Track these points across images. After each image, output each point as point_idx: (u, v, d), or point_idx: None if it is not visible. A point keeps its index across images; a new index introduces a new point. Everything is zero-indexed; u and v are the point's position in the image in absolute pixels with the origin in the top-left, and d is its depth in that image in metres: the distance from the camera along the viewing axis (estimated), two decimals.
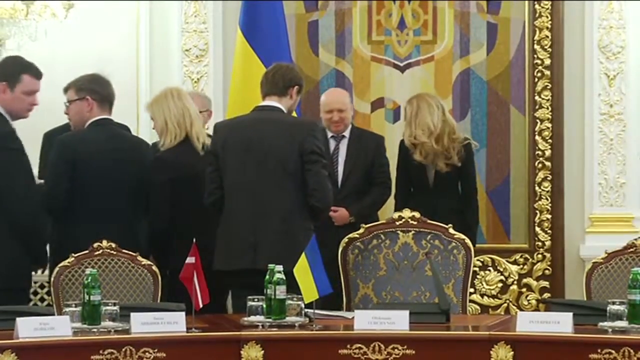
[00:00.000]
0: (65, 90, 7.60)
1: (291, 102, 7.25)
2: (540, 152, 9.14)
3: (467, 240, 7.44)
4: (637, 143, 8.57)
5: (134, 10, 9.07)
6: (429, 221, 7.57)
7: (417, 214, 7.55)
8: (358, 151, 8.36)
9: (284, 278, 6.29)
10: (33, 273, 7.47)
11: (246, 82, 8.31)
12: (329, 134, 8.37)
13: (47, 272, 7.46)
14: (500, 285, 9.20)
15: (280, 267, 6.32)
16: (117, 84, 8.97)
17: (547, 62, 9.11)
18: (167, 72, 9.09)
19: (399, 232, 7.44)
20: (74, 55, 8.98)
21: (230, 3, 8.84)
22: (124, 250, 7.25)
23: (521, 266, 9.20)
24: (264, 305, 6.33)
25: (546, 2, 9.06)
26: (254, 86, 7.96)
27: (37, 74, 7.34)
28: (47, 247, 7.40)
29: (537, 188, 9.13)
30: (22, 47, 8.68)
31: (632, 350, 5.90)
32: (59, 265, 7.08)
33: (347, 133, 8.42)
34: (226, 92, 8.76)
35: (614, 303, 6.17)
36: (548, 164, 9.12)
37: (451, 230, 7.46)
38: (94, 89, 7.51)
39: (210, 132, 7.65)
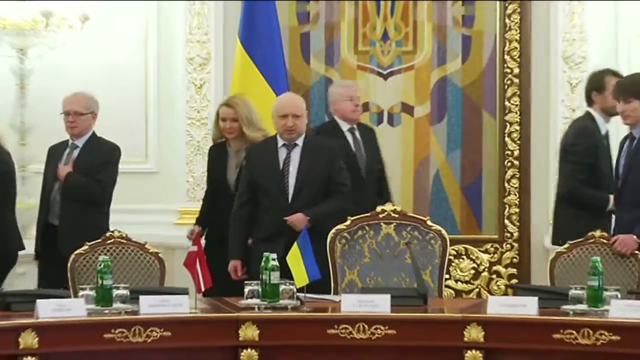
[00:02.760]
0: None
1: None
2: (509, 152, 9.16)
3: (444, 232, 7.44)
4: None
5: (143, 23, 9.09)
6: (409, 214, 7.61)
7: (398, 208, 7.59)
8: (311, 161, 7.39)
9: (278, 265, 6.34)
10: None
11: (244, 88, 8.34)
12: (280, 143, 7.41)
13: None
14: (472, 272, 9.22)
15: (274, 255, 6.37)
16: (128, 89, 9.05)
17: (516, 71, 9.13)
18: (173, 79, 9.10)
19: (382, 224, 7.44)
20: (89, 63, 9.00)
21: (231, 16, 8.86)
22: (133, 240, 7.29)
23: (491, 255, 9.23)
24: (260, 290, 6.35)
25: (515, 17, 9.09)
26: (252, 92, 8.01)
27: None
28: None
29: (506, 184, 9.16)
30: (42, 56, 8.69)
31: (591, 331, 5.93)
32: (75, 252, 7.12)
33: (300, 141, 7.41)
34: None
35: (575, 288, 6.21)
36: (516, 162, 9.14)
37: (429, 222, 7.47)
38: None
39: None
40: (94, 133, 8.05)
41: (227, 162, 8.00)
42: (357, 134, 8.37)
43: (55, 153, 8.04)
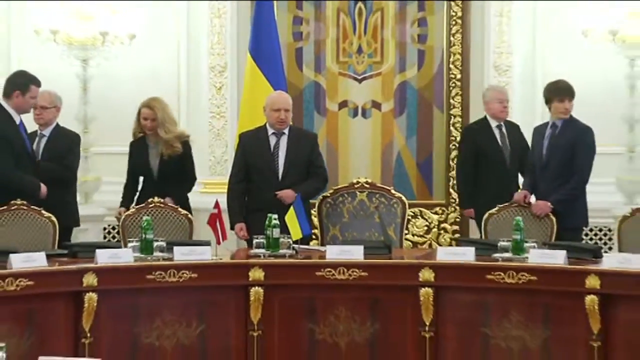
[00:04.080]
0: None
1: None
2: (453, 138, 9.12)
3: (404, 198, 7.42)
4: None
5: (176, 40, 9.04)
6: (377, 184, 7.59)
7: (369, 180, 7.56)
8: (297, 147, 7.22)
9: (279, 223, 6.32)
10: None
11: (253, 89, 8.28)
12: (270, 131, 7.23)
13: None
14: (425, 228, 9.19)
15: (276, 215, 6.34)
16: (164, 90, 8.95)
17: (459, 76, 9.09)
18: (199, 83, 9.05)
19: (357, 192, 7.43)
20: (135, 70, 8.95)
21: (243, 34, 8.81)
22: (169, 204, 7.26)
23: (440, 215, 9.21)
24: (264, 242, 6.33)
25: (458, 36, 9.04)
26: (258, 92, 7.94)
27: (38, 83, 7.25)
28: None
29: (450, 162, 9.12)
30: (100, 65, 8.64)
31: (514, 273, 5.93)
32: (125, 214, 7.07)
33: (286, 131, 7.23)
34: (240, 97, 8.71)
35: (502, 241, 6.19)
36: (458, 145, 9.11)
37: (392, 191, 7.46)
38: None
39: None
40: (57, 124, 7.84)
41: (149, 153, 7.77)
42: (503, 129, 8.05)
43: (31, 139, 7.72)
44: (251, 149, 7.27)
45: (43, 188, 7.13)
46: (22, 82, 7.15)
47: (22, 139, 7.11)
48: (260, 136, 7.27)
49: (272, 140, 7.22)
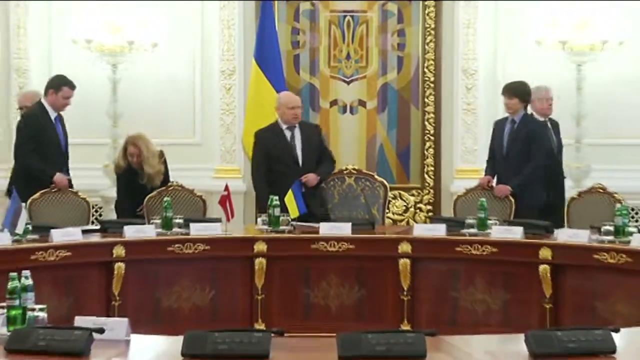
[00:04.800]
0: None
1: None
2: (427, 131, 9.07)
3: (385, 182, 7.45)
4: (484, 126, 8.51)
5: (192, 47, 8.96)
6: (363, 170, 7.60)
7: (356, 167, 7.57)
8: (308, 137, 7.08)
9: (279, 204, 6.31)
10: None
11: (257, 90, 8.24)
12: (284, 126, 7.05)
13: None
14: (403, 208, 9.16)
15: (277, 198, 6.33)
16: (182, 91, 8.97)
17: (432, 79, 9.02)
18: (211, 84, 8.98)
19: (345, 177, 7.44)
20: (157, 73, 8.88)
21: (249, 43, 8.74)
22: (186, 187, 7.25)
23: (416, 197, 9.17)
24: (267, 219, 6.33)
25: (432, 45, 8.97)
26: (261, 92, 7.90)
27: (72, 87, 7.22)
28: None
29: (425, 152, 9.06)
30: (127, 69, 8.58)
31: (479, 245, 5.97)
32: (149, 196, 7.06)
33: (297, 124, 7.08)
34: (246, 96, 8.67)
35: (469, 219, 6.21)
36: (432, 138, 9.03)
37: (376, 176, 7.49)
38: None
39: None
40: None
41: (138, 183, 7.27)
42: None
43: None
44: (271, 142, 7.09)
45: (60, 177, 6.95)
46: (56, 83, 7.20)
47: (54, 130, 7.12)
48: (276, 131, 7.10)
49: (287, 133, 7.06)
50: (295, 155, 7.02)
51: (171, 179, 7.32)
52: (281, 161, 7.03)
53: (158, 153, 7.33)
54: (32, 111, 7.18)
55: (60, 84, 7.15)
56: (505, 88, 7.41)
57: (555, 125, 7.80)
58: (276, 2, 8.92)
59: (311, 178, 6.93)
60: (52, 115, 7.12)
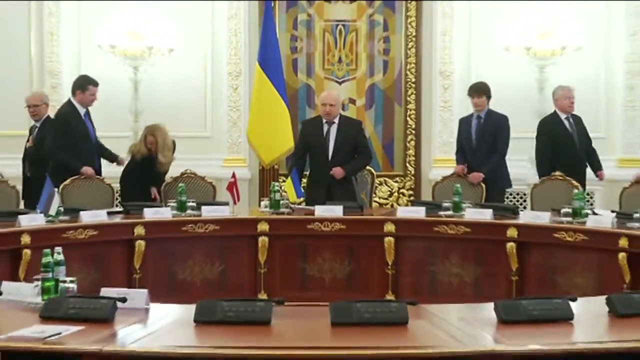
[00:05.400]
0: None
1: None
2: (409, 126, 9.05)
3: (372, 170, 7.45)
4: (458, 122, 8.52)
5: (203, 52, 8.93)
6: None
7: None
8: (344, 133, 6.77)
9: (279, 190, 6.30)
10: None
11: (260, 90, 8.17)
12: (324, 120, 6.84)
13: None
14: (388, 193, 9.15)
15: (277, 184, 6.32)
16: (195, 90, 8.92)
17: (413, 80, 9.00)
18: (220, 84, 8.95)
19: None
20: (173, 75, 8.85)
21: (253, 47, 8.70)
22: (198, 174, 7.23)
23: (399, 183, 9.16)
24: (269, 203, 6.32)
25: (413, 50, 8.95)
26: (264, 92, 7.86)
27: (96, 84, 7.14)
28: None
29: (407, 144, 9.06)
30: (147, 71, 8.57)
31: (454, 225, 5.97)
32: (165, 182, 7.04)
33: (336, 120, 6.81)
34: (250, 95, 8.62)
35: (446, 202, 6.20)
36: (414, 131, 9.02)
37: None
38: None
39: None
40: (48, 116, 7.50)
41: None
42: (570, 120, 7.44)
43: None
44: (310, 133, 6.94)
45: (86, 169, 6.88)
46: (82, 83, 7.13)
47: (84, 125, 7.07)
48: (317, 123, 6.94)
49: (325, 127, 6.85)
50: (326, 149, 6.81)
51: (185, 168, 7.30)
52: (314, 151, 6.90)
53: (172, 145, 7.36)
54: (62, 110, 7.11)
55: (85, 84, 7.10)
56: (473, 89, 7.43)
57: (578, 120, 7.53)
58: (277, 12, 8.91)
59: (337, 172, 6.73)
60: (82, 111, 7.08)
